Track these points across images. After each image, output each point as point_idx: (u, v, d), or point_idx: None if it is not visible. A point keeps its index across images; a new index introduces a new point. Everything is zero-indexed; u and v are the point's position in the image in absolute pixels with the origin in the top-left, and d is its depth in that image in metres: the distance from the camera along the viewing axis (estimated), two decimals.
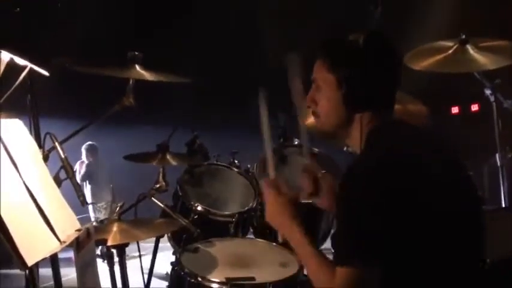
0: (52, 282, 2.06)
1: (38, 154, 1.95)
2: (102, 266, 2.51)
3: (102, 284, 2.14)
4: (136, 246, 2.85)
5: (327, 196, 2.04)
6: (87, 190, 7.92)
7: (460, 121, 7.15)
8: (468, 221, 1.63)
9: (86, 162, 7.98)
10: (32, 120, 2.39)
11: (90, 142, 7.95)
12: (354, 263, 1.49)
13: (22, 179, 1.66)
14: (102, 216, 7.60)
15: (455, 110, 7.40)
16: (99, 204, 7.84)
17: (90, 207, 7.84)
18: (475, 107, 6.81)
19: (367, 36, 1.67)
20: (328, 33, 1.80)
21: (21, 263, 1.45)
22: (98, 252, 2.65)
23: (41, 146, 2.20)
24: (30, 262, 1.42)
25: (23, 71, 2.07)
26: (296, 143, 3.42)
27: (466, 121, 6.86)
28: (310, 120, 3.06)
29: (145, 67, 2.81)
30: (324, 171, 2.15)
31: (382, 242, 1.48)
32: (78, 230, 1.84)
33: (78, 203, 2.13)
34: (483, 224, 1.67)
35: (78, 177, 7.19)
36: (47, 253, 1.56)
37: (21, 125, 1.89)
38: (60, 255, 2.01)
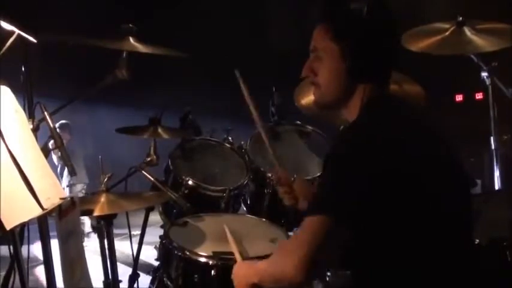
0: None
1: (25, 122, 1.94)
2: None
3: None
4: (127, 226, 2.85)
5: (302, 199, 2.24)
6: (65, 171, 7.32)
7: (464, 109, 7.13)
8: (455, 199, 1.62)
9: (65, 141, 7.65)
10: (26, 91, 2.38)
11: (62, 121, 7.33)
12: (327, 212, 1.48)
13: (6, 144, 1.65)
14: None
15: (459, 97, 7.41)
16: (78, 185, 7.51)
17: (67, 189, 7.37)
18: (479, 95, 6.78)
19: (371, 4, 1.62)
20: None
21: None
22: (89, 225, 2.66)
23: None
24: (8, 225, 1.42)
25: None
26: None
27: (470, 109, 6.84)
28: (307, 99, 3.08)
29: (139, 40, 2.78)
30: (295, 176, 2.41)
31: (361, 205, 1.47)
32: (63, 199, 1.83)
33: None
34: (470, 203, 1.67)
35: (54, 158, 6.77)
36: (27, 217, 1.56)
37: (9, 92, 1.87)
38: (52, 233, 2.00)
